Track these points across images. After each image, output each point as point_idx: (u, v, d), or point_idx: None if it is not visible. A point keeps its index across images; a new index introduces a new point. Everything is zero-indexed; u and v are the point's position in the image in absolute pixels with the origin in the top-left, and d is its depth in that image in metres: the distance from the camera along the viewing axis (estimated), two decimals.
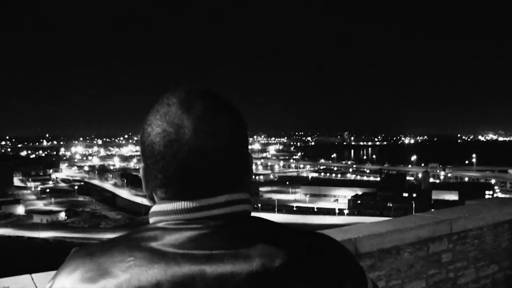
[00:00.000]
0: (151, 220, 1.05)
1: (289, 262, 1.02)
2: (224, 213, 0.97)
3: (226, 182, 1.01)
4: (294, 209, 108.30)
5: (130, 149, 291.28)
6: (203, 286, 0.94)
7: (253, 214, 1.06)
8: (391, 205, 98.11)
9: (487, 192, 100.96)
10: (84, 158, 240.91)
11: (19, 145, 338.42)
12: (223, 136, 1.05)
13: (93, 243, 1.02)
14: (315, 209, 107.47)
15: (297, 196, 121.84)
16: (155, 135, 1.05)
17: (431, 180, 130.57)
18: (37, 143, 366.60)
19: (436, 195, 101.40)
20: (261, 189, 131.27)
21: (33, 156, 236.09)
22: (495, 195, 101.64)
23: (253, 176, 1.15)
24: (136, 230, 1.03)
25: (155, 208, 1.05)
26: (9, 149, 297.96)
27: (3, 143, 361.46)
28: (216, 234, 0.96)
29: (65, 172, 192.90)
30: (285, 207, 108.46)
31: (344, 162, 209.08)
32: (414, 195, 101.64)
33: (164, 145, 1.04)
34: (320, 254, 1.09)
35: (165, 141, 1.04)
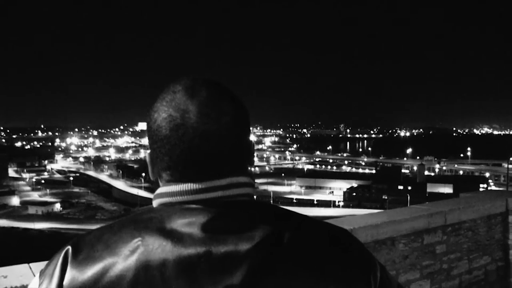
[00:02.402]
0: (156, 201, 1.10)
1: (290, 245, 1.06)
2: (228, 194, 1.01)
3: (229, 165, 1.04)
4: (294, 201, 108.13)
5: (126, 140, 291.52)
6: (207, 265, 0.97)
7: None
8: (386, 197, 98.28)
9: (481, 185, 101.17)
10: (80, 149, 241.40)
11: (14, 136, 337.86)
12: (226, 121, 1.10)
13: (101, 226, 1.08)
14: (315, 201, 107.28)
15: (293, 188, 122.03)
16: (162, 120, 1.11)
17: (426, 173, 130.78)
18: (32, 134, 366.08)
19: (431, 188, 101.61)
20: (257, 180, 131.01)
21: (28, 147, 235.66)
22: (489, 188, 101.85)
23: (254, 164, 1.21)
24: (143, 212, 1.07)
25: (161, 190, 1.09)
26: (3, 140, 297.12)
27: None
28: (220, 216, 1.00)
29: (60, 163, 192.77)
30: (281, 199, 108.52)
31: (339, 154, 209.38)
32: (409, 187, 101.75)
33: (170, 129, 1.09)
34: (324, 241, 1.12)
35: (171, 125, 1.09)
